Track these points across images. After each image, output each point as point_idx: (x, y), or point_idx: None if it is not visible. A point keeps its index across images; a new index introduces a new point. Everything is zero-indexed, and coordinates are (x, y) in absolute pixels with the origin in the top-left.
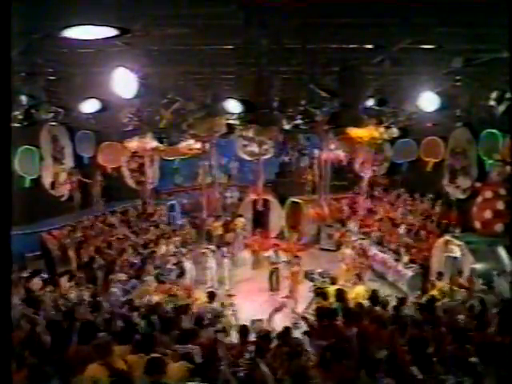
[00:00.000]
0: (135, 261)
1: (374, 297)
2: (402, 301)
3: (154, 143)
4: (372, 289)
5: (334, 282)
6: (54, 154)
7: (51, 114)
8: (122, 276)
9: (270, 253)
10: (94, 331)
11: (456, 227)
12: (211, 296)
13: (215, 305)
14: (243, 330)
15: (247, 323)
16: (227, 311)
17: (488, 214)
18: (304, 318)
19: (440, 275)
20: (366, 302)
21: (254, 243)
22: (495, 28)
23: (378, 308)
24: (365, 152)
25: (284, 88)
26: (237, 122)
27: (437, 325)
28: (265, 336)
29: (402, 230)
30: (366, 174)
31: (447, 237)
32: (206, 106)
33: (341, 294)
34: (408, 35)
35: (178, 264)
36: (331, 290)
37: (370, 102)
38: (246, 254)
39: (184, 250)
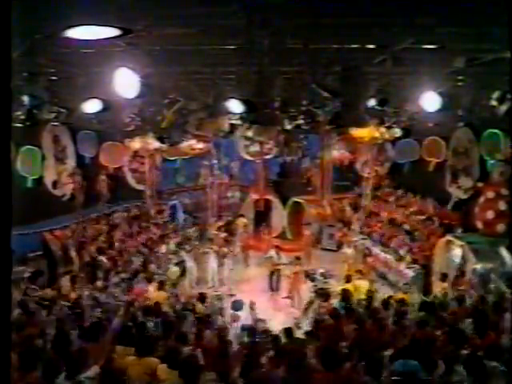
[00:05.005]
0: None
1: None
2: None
3: (156, 143)
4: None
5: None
6: (56, 154)
7: (53, 114)
8: (124, 276)
9: (271, 253)
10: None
11: (458, 227)
12: (202, 298)
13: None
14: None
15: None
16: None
17: (490, 214)
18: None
19: (444, 276)
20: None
21: (256, 243)
22: (497, 28)
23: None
24: (366, 152)
25: (286, 88)
26: (239, 122)
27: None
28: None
29: (403, 230)
30: (368, 174)
31: (449, 237)
32: (208, 106)
33: (345, 294)
34: (410, 35)
35: (180, 264)
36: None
37: (372, 102)
38: (248, 254)
39: (185, 250)
